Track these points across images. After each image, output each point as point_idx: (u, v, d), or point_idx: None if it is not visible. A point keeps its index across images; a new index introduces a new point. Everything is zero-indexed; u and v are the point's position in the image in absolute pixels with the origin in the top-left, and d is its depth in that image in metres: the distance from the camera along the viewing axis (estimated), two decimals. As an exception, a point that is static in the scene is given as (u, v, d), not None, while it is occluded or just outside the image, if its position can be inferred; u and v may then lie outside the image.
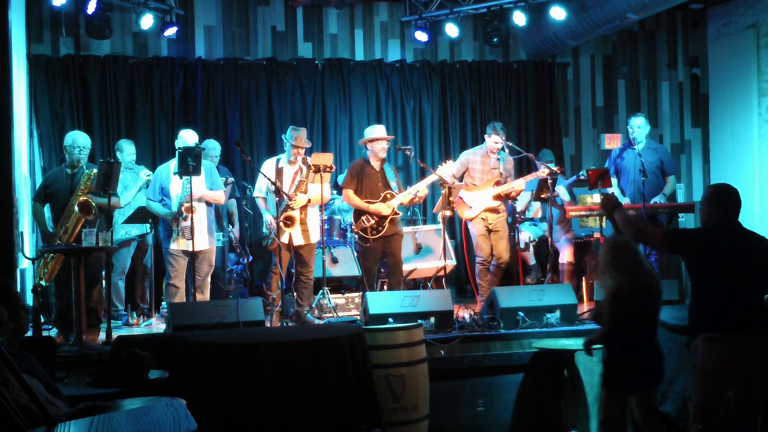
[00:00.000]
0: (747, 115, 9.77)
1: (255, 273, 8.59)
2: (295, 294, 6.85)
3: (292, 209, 6.62)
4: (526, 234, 8.13)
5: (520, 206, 7.81)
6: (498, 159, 7.41)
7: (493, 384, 6.11)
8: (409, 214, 8.65)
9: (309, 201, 6.71)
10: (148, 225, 7.11)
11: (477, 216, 7.33)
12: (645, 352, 4.43)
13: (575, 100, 10.19)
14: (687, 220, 10.16)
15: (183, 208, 6.39)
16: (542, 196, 7.35)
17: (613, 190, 7.67)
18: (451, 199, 6.97)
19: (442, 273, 7.60)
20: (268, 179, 6.65)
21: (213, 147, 7.69)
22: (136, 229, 7.23)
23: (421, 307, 6.14)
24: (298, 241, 6.70)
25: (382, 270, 7.57)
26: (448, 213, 7.24)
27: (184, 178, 6.39)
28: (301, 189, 6.69)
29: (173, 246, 6.51)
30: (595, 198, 7.66)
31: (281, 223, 6.54)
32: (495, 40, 9.14)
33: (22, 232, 6.42)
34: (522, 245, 7.76)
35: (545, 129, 9.82)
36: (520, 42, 9.89)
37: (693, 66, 10.47)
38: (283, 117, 9.00)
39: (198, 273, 6.50)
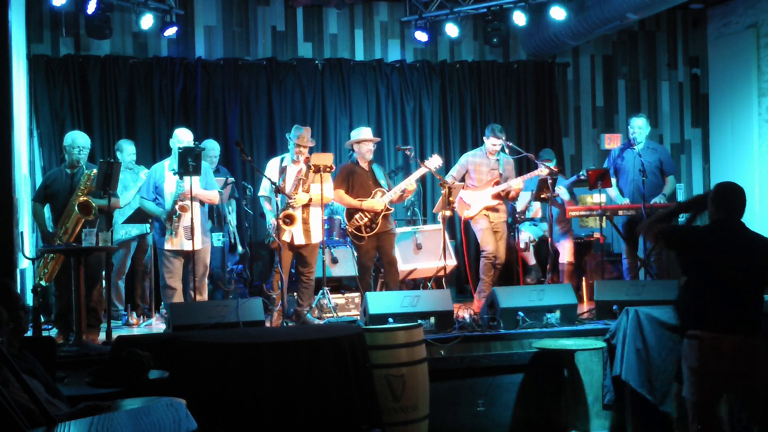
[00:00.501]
0: (747, 115, 9.77)
1: (255, 273, 8.59)
2: (295, 294, 6.85)
3: (293, 207, 6.63)
4: (526, 234, 8.13)
5: (520, 206, 7.81)
6: (497, 160, 7.45)
7: (493, 384, 6.11)
8: (408, 214, 8.65)
9: (310, 200, 6.71)
10: (148, 225, 7.11)
11: (477, 214, 7.35)
12: None
13: (575, 100, 10.19)
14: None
15: (177, 207, 6.39)
16: (542, 196, 7.35)
17: (613, 190, 7.68)
18: (451, 199, 6.99)
19: (442, 273, 7.60)
20: (268, 179, 6.65)
21: (212, 147, 7.69)
22: (136, 229, 7.23)
23: (421, 307, 6.14)
24: (300, 240, 6.70)
25: (381, 270, 7.57)
26: (448, 213, 7.25)
27: (179, 176, 6.39)
28: (303, 188, 6.70)
29: (167, 246, 6.50)
30: (595, 198, 7.66)
31: (281, 221, 6.54)
32: (495, 40, 9.14)
33: (22, 232, 6.42)
34: (522, 245, 7.76)
35: (545, 129, 9.83)
36: (520, 42, 9.89)
37: (693, 66, 10.47)
38: (283, 117, 9.00)
39: (191, 275, 6.46)
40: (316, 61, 9.28)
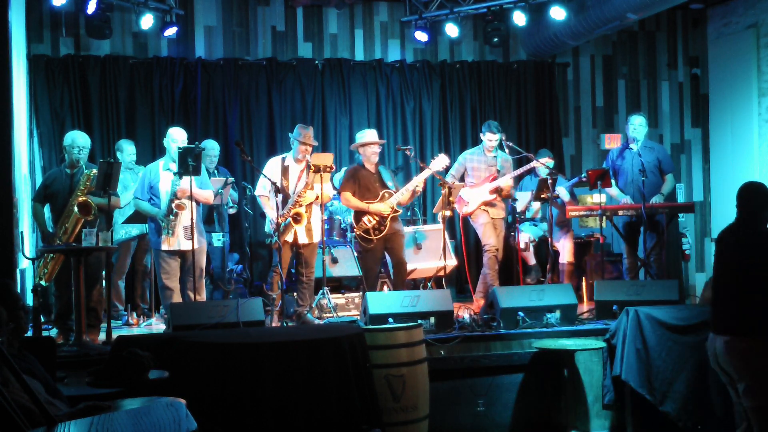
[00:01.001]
0: (747, 115, 9.76)
1: (255, 273, 8.59)
2: (295, 294, 6.84)
3: (301, 205, 6.63)
4: (526, 234, 8.12)
5: (520, 206, 7.81)
6: (495, 157, 7.50)
7: (493, 384, 6.11)
8: (408, 214, 8.65)
9: (317, 198, 6.71)
10: (147, 225, 7.10)
11: (476, 209, 7.39)
12: None
13: (575, 100, 10.19)
14: (687, 220, 10.18)
15: (174, 205, 6.38)
16: (542, 196, 7.35)
17: (614, 189, 7.67)
18: (451, 199, 7.00)
19: (442, 273, 7.60)
20: (268, 178, 6.65)
21: (212, 147, 7.70)
22: (136, 229, 7.22)
23: (421, 307, 6.14)
24: (303, 239, 6.71)
25: (382, 270, 7.57)
26: (448, 213, 7.25)
27: (174, 176, 6.38)
28: (309, 186, 6.70)
29: (164, 246, 6.48)
30: (595, 198, 7.66)
31: (290, 219, 6.54)
32: (495, 40, 9.14)
33: (22, 232, 6.42)
34: (522, 245, 7.76)
35: (545, 129, 9.82)
36: (520, 42, 9.89)
37: (693, 66, 10.47)
38: (283, 117, 9.00)
39: (190, 275, 6.44)
40: (316, 61, 9.28)
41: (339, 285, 7.77)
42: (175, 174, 6.39)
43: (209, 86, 8.90)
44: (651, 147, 7.76)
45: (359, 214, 6.99)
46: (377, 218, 6.91)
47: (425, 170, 7.10)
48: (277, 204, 6.58)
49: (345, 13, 9.51)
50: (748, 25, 9.73)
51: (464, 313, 6.62)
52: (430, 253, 7.87)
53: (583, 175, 8.10)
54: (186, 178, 6.29)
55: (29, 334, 4.89)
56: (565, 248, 8.01)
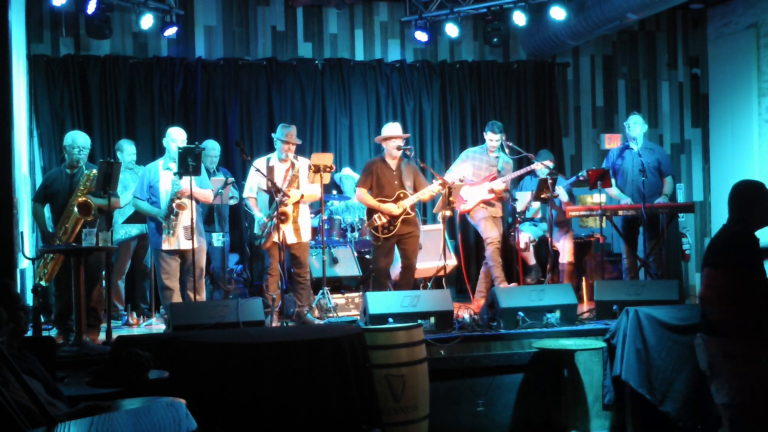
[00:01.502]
0: (747, 115, 9.76)
1: (255, 273, 8.58)
2: (293, 295, 6.84)
3: (286, 205, 6.62)
4: (526, 234, 8.12)
5: (520, 206, 7.81)
6: (497, 158, 7.54)
7: (493, 384, 6.11)
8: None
9: (302, 197, 6.71)
10: (147, 225, 7.09)
11: (475, 206, 7.44)
12: None
13: (575, 100, 10.19)
14: (687, 220, 10.18)
15: (174, 205, 6.38)
16: (542, 196, 7.36)
17: (614, 189, 7.68)
18: (451, 199, 6.98)
19: (442, 273, 7.60)
20: (263, 174, 6.64)
21: (212, 147, 7.69)
22: (136, 229, 7.23)
23: (421, 307, 6.14)
24: (291, 239, 6.71)
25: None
26: (448, 213, 7.24)
27: (174, 176, 6.38)
28: (293, 185, 6.70)
29: (164, 246, 6.48)
30: (595, 198, 7.66)
31: (275, 220, 6.54)
32: (495, 40, 9.15)
33: (22, 232, 6.42)
34: (522, 245, 7.76)
35: (545, 129, 9.83)
36: (520, 42, 9.89)
37: (693, 66, 10.47)
38: (283, 117, 8.99)
39: (190, 275, 6.44)
40: (316, 61, 9.28)
41: (339, 285, 7.76)
42: (175, 174, 6.39)
43: (209, 86, 8.90)
44: (651, 148, 7.77)
45: (372, 210, 6.99)
46: (388, 217, 6.90)
47: (438, 181, 6.96)
48: (269, 204, 6.58)
49: (345, 13, 9.51)
50: (748, 25, 9.73)
51: (464, 313, 6.62)
52: (430, 253, 7.88)
53: (581, 174, 8.09)
54: (186, 178, 6.29)
55: (29, 334, 4.88)
56: (565, 248, 8.01)
